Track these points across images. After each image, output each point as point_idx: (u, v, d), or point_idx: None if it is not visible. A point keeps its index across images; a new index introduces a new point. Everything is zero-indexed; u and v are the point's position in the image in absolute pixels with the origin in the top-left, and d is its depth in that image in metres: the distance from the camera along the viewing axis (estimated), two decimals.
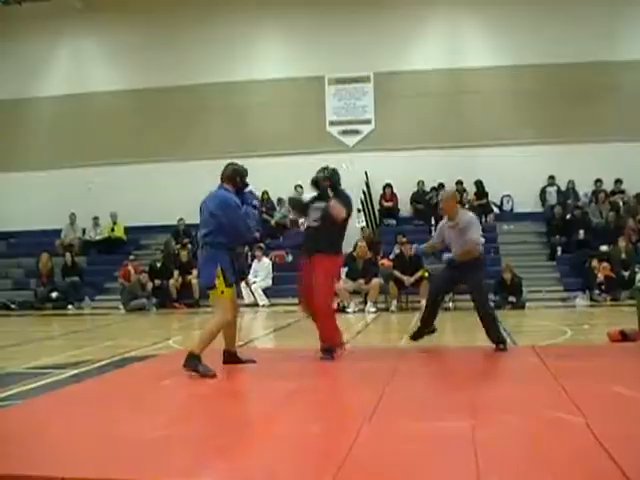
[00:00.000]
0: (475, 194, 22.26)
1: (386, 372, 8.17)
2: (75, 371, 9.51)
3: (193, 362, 8.01)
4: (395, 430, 5.85)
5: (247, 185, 8.93)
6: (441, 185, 22.12)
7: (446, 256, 10.08)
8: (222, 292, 8.32)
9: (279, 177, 22.97)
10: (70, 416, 6.48)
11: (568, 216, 21.50)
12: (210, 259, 8.36)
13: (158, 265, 20.61)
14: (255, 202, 8.88)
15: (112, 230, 23.44)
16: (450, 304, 17.15)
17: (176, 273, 20.21)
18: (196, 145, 23.51)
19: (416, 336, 10.23)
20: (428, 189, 22.54)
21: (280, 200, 23.23)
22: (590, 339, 12.05)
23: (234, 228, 8.37)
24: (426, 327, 10.21)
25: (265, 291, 19.96)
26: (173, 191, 22.99)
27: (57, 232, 23.63)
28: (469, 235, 9.62)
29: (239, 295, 19.43)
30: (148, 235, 23.48)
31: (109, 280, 21.62)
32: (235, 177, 8.83)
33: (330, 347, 9.28)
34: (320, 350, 9.30)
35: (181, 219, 22.41)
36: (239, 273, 8.96)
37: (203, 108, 23.63)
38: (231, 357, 8.95)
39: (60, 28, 24.39)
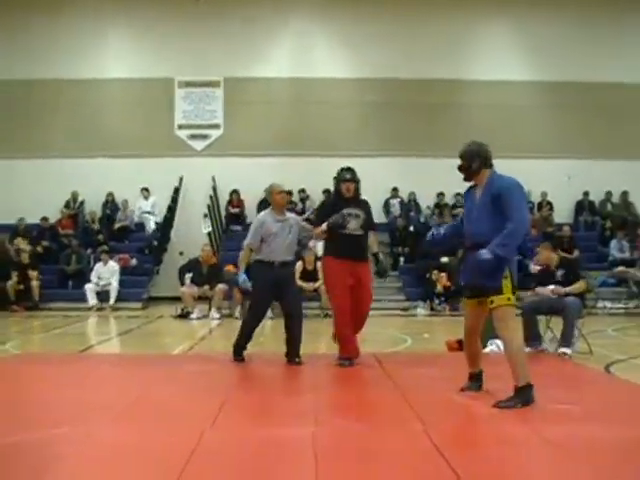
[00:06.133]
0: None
1: (229, 378, 8.20)
2: None
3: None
4: (236, 436, 5.88)
5: None
6: (289, 193, 22.29)
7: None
8: (509, 299, 6.99)
9: (125, 179, 22.70)
10: None
11: (412, 228, 22.01)
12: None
13: None
14: None
15: None
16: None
17: (15, 274, 19.58)
18: (38, 143, 22.83)
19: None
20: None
21: (126, 202, 22.91)
22: (429, 348, 12.34)
23: None
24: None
25: (109, 294, 19.64)
26: (13, 189, 22.33)
27: None
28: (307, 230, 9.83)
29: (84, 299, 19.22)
30: None
31: None
32: None
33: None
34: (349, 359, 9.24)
35: (22, 218, 21.77)
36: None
37: (47, 105, 22.94)
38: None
39: None
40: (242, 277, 9.71)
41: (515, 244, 6.97)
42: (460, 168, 7.29)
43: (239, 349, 9.61)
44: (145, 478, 4.82)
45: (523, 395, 6.80)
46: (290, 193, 9.41)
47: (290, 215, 9.88)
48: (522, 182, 7.06)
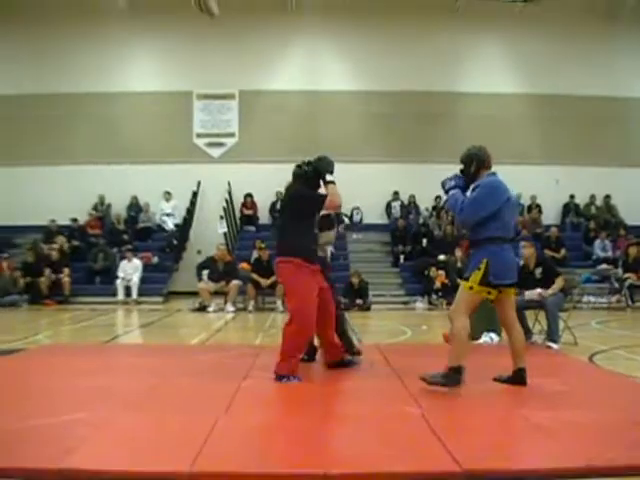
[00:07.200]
0: None
1: (243, 367, 8.16)
2: None
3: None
4: (249, 422, 5.86)
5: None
6: None
7: None
8: (471, 288, 6.95)
9: (148, 184, 22.79)
10: None
11: (414, 228, 22.03)
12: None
13: (30, 263, 19.97)
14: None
15: None
16: None
17: (47, 271, 19.63)
18: (68, 151, 22.95)
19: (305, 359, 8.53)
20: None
21: (148, 205, 22.97)
22: (427, 339, 12.32)
23: None
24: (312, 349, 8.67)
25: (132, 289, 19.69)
26: (46, 193, 22.41)
27: None
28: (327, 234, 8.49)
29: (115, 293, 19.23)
30: (22, 234, 22.70)
31: None
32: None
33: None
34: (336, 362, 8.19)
35: (53, 220, 21.88)
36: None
37: (77, 116, 23.10)
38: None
39: None
40: None
41: (450, 204, 7.18)
42: (462, 172, 7.23)
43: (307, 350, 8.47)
44: (163, 460, 4.80)
45: (450, 375, 6.82)
46: None
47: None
48: (513, 187, 7.07)
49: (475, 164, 7.09)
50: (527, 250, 10.91)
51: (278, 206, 8.48)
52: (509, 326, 7.27)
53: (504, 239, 6.95)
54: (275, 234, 8.28)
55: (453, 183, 7.14)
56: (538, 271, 10.74)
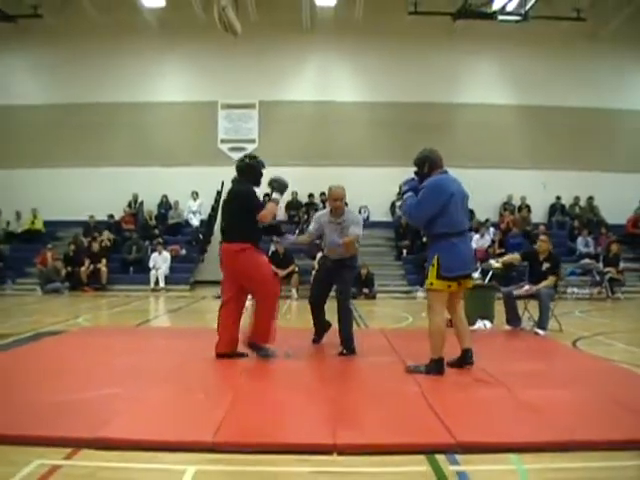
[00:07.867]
0: None
1: None
2: None
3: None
4: (266, 396, 5.87)
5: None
6: (311, 195, 22.47)
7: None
8: (431, 284, 6.91)
9: (178, 184, 22.83)
10: None
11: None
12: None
13: (71, 254, 20.06)
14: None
15: (32, 223, 22.77)
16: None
17: (87, 261, 19.71)
18: (106, 155, 23.02)
19: (315, 339, 8.83)
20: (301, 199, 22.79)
21: (177, 203, 23.02)
22: (426, 324, 12.27)
23: None
24: (321, 331, 8.81)
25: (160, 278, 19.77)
26: (86, 192, 22.50)
27: None
28: (354, 231, 8.53)
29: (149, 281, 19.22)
30: (64, 228, 22.78)
31: (29, 266, 20.85)
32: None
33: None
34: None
35: (92, 216, 21.99)
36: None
37: (115, 123, 23.11)
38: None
39: None
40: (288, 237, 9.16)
41: (404, 210, 7.41)
42: (416, 173, 7.21)
43: (315, 331, 8.84)
44: (189, 431, 4.81)
45: (433, 366, 6.84)
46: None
47: (348, 216, 8.77)
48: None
49: (427, 165, 7.07)
50: (543, 244, 10.92)
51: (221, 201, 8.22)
52: (452, 312, 7.28)
53: (455, 234, 6.86)
54: (227, 223, 8.20)
55: (406, 187, 7.14)
56: (546, 265, 10.73)
